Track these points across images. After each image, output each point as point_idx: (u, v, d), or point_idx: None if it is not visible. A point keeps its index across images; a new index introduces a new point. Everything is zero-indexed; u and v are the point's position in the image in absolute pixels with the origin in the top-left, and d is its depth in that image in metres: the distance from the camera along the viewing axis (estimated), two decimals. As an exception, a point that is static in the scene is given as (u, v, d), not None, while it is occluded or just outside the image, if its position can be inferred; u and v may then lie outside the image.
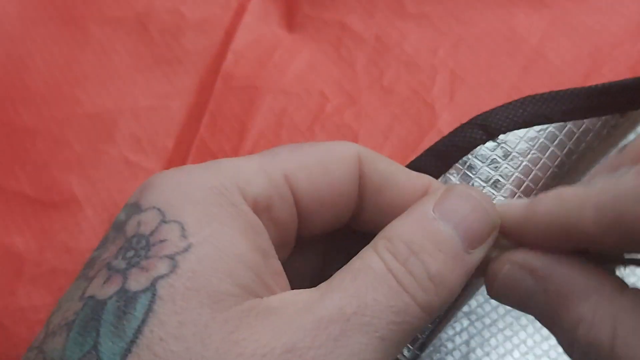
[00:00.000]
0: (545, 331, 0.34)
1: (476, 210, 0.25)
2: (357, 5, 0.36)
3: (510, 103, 0.32)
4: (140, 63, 0.37)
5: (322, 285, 0.23)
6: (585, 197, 0.22)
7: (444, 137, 0.32)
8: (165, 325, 0.20)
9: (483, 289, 0.27)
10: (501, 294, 0.24)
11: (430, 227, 0.24)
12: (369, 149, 0.27)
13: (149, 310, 0.20)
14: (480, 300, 0.41)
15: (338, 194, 0.26)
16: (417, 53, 0.34)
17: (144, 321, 0.20)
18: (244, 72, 0.36)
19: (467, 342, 0.40)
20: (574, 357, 0.23)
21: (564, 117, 0.32)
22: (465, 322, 0.41)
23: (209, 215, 0.23)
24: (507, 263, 0.24)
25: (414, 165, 0.32)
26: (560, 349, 0.30)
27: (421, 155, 0.32)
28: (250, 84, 0.35)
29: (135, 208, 0.23)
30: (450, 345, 0.41)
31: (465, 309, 0.41)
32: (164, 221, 0.22)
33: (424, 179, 0.27)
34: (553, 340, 0.34)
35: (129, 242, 0.22)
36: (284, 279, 0.24)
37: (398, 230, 0.24)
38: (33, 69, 0.37)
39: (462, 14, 0.35)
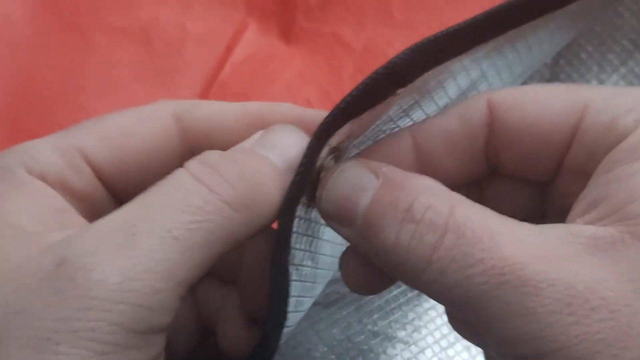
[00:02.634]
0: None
1: (290, 136, 0.25)
2: (349, 16, 0.37)
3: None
4: (142, 73, 0.38)
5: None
6: None
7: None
8: None
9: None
10: (334, 191, 0.23)
11: (245, 151, 0.24)
12: (190, 101, 0.26)
13: None
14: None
15: (149, 159, 0.25)
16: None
17: None
18: (238, 81, 0.37)
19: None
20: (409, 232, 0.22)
21: None
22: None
23: None
24: (351, 161, 0.24)
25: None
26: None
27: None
28: (242, 93, 0.36)
29: None
30: (431, 326, 0.41)
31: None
32: None
33: (252, 107, 0.27)
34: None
35: None
36: None
37: (212, 151, 0.24)
38: (38, 76, 0.38)
39: (448, 21, 0.34)
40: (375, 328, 0.40)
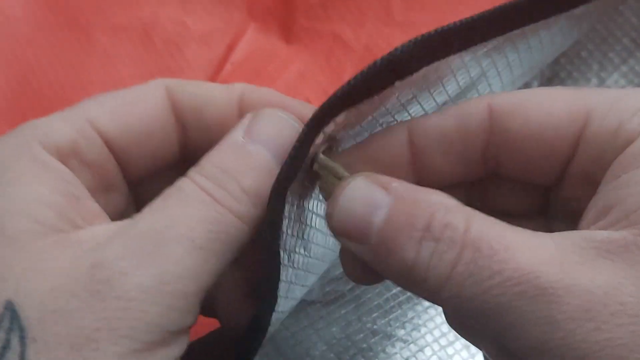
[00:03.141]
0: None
1: (284, 128, 0.25)
2: (349, 15, 0.37)
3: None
4: (143, 71, 0.38)
5: (136, 214, 0.24)
6: None
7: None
8: None
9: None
10: (346, 208, 0.23)
11: (241, 151, 0.25)
12: (179, 79, 0.27)
13: None
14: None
15: (151, 128, 0.26)
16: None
17: None
18: (239, 80, 0.36)
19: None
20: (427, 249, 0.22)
21: None
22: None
23: (4, 169, 0.24)
24: (360, 177, 0.24)
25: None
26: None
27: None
28: (242, 92, 0.36)
29: None
30: (430, 324, 0.41)
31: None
32: None
33: (236, 87, 0.27)
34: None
35: None
36: (102, 219, 0.24)
37: (209, 159, 0.25)
38: (40, 73, 0.38)
39: (448, 21, 0.34)
40: (375, 326, 0.40)
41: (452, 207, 0.22)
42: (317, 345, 0.40)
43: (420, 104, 0.28)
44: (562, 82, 0.45)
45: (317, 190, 0.28)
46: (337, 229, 0.24)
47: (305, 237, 0.29)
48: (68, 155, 0.25)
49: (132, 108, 0.26)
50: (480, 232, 0.21)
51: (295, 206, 0.27)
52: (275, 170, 0.24)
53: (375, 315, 0.41)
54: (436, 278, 0.21)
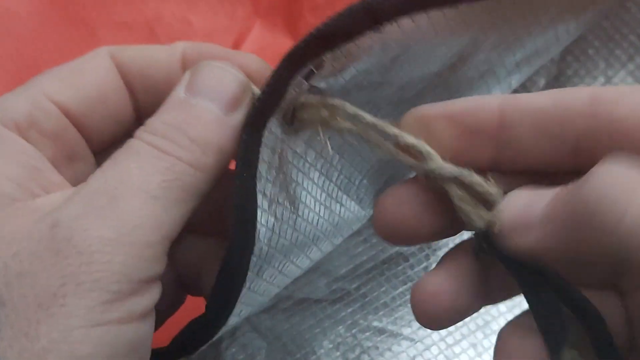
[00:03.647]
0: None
1: (224, 77, 0.26)
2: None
3: None
4: None
5: (89, 176, 0.24)
6: None
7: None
8: None
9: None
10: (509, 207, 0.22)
11: (184, 105, 0.25)
12: (121, 45, 0.28)
13: None
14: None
15: (104, 94, 0.27)
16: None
17: None
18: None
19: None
20: None
21: None
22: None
23: None
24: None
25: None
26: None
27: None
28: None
29: None
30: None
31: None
32: None
33: (178, 45, 0.28)
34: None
35: None
36: (65, 189, 0.25)
37: (154, 117, 0.25)
38: (43, 69, 0.38)
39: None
40: (381, 325, 0.40)
41: None
42: (323, 343, 0.40)
43: (410, 64, 0.27)
44: (568, 80, 0.44)
45: (297, 144, 0.27)
46: (503, 229, 0.22)
47: (291, 192, 0.28)
48: (26, 129, 0.25)
49: (82, 76, 0.27)
50: None
51: (275, 153, 0.26)
52: (223, 120, 0.25)
53: (381, 313, 0.41)
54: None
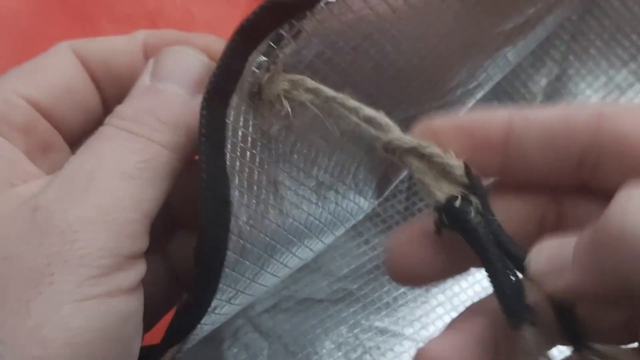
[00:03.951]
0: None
1: (186, 60, 0.26)
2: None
3: None
4: None
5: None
6: None
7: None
8: None
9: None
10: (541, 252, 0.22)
11: (150, 91, 0.26)
12: (83, 39, 0.28)
13: None
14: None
15: (70, 86, 0.27)
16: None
17: None
18: None
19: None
20: None
21: None
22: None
23: None
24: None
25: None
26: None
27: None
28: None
29: None
30: (439, 323, 0.41)
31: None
32: None
33: (138, 35, 0.28)
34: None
35: None
36: (43, 178, 0.25)
37: (122, 105, 0.26)
38: None
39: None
40: (383, 325, 0.40)
41: None
42: (325, 343, 0.39)
43: (387, 42, 0.27)
44: (570, 80, 0.44)
45: (266, 123, 0.26)
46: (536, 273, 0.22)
47: (269, 171, 0.27)
48: (1, 124, 0.26)
49: (47, 71, 0.27)
50: None
51: (240, 131, 0.25)
52: (190, 102, 0.25)
53: (383, 313, 0.40)
54: None
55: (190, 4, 0.39)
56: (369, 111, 0.24)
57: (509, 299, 0.21)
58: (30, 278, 0.21)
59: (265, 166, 0.27)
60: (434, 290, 0.41)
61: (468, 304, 0.40)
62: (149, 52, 0.28)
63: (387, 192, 0.38)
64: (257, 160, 0.26)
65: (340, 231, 0.36)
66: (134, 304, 0.23)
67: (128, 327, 0.23)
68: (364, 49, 0.27)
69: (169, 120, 0.25)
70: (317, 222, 0.32)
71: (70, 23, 0.40)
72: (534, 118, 0.24)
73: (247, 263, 0.27)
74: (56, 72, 0.27)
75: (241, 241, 0.26)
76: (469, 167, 0.23)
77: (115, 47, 0.28)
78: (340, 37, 0.26)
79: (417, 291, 0.41)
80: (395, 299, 0.41)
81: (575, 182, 0.24)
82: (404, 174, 0.38)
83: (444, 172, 0.23)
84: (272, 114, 0.26)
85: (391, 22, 0.26)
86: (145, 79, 0.26)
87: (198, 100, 0.25)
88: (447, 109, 0.34)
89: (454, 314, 0.39)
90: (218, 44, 0.27)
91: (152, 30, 0.29)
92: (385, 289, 0.41)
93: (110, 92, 0.28)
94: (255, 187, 0.26)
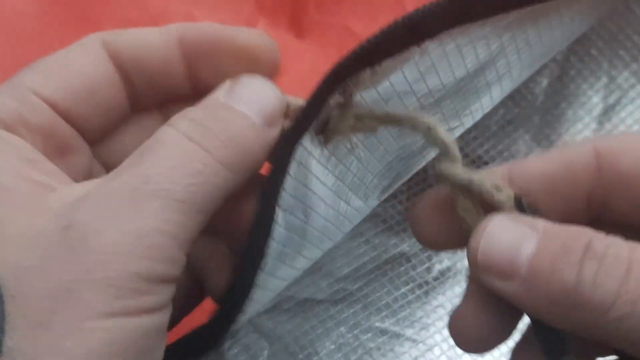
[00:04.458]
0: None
1: (265, 91, 0.26)
2: (360, 8, 0.36)
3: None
4: None
5: (113, 171, 0.24)
6: None
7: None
8: None
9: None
10: (492, 241, 0.23)
11: (223, 107, 0.25)
12: (114, 30, 0.27)
13: None
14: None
15: (93, 84, 0.26)
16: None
17: None
18: None
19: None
20: None
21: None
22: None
23: None
24: (504, 214, 0.23)
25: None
26: None
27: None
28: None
29: None
30: (439, 324, 0.40)
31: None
32: None
33: (172, 28, 0.27)
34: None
35: None
36: (62, 178, 0.25)
37: (189, 112, 0.25)
38: None
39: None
40: (383, 326, 0.40)
41: (609, 236, 0.22)
42: (325, 344, 0.39)
43: (438, 74, 0.28)
44: (571, 80, 0.44)
45: (323, 155, 0.28)
46: (482, 264, 0.23)
47: (307, 202, 0.28)
48: (15, 125, 0.25)
49: (69, 67, 0.26)
50: None
51: (301, 165, 0.26)
52: (260, 130, 0.25)
53: (383, 314, 0.40)
54: (603, 296, 0.20)
55: (193, 9, 0.39)
56: (444, 133, 0.24)
57: (547, 339, 0.23)
58: (56, 291, 0.21)
59: (306, 196, 0.28)
60: (435, 291, 0.41)
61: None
62: (186, 46, 0.27)
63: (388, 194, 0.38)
64: (301, 191, 0.28)
65: (339, 237, 0.37)
66: (160, 320, 0.23)
67: (151, 341, 0.23)
68: (420, 83, 0.28)
69: (236, 140, 0.24)
70: (326, 238, 0.33)
71: (74, 26, 0.40)
72: (534, 169, 0.24)
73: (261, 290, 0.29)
74: (79, 69, 0.26)
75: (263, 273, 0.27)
76: (519, 198, 0.24)
77: (148, 40, 0.27)
78: (407, 73, 0.26)
79: (418, 292, 0.41)
80: (396, 299, 0.41)
81: (587, 218, 0.24)
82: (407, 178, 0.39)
83: (492, 207, 0.24)
84: (330, 146, 0.28)
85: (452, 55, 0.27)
86: (219, 95, 0.25)
87: (267, 132, 0.25)
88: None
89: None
90: (260, 38, 0.27)
91: (188, 23, 0.27)
92: (386, 289, 0.41)
93: (142, 87, 0.27)
94: (288, 218, 0.28)
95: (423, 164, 0.39)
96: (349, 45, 0.36)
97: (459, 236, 0.25)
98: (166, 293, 0.23)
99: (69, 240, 0.21)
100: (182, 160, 0.23)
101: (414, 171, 0.39)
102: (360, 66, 0.24)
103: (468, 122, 0.38)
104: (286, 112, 0.26)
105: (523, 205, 0.23)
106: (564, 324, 0.22)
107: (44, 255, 0.21)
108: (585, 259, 0.21)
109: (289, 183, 0.26)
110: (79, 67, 0.26)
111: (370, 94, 0.26)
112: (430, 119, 0.25)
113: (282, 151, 0.25)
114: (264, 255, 0.26)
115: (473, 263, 0.23)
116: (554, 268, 0.21)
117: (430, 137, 0.24)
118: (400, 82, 0.27)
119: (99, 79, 0.26)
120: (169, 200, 0.22)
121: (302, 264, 0.31)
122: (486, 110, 0.38)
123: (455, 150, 0.24)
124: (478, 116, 0.38)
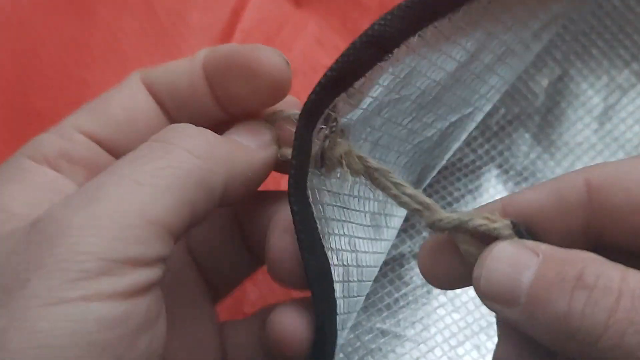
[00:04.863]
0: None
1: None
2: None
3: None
4: (147, 44, 0.38)
5: None
6: None
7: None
8: None
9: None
10: (494, 270, 0.23)
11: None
12: (149, 68, 0.29)
13: None
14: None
15: (133, 116, 0.28)
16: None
17: None
18: None
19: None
20: None
21: None
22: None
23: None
24: (508, 241, 0.24)
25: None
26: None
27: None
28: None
29: None
30: (440, 324, 0.40)
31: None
32: None
33: (199, 56, 0.29)
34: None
35: None
36: None
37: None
38: (43, 54, 0.38)
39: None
40: (384, 327, 0.39)
41: (603, 261, 0.22)
42: (326, 344, 0.38)
43: (424, 74, 0.27)
44: (572, 80, 0.44)
45: (335, 186, 0.27)
46: (485, 292, 0.23)
47: (347, 231, 0.28)
48: (55, 160, 0.26)
49: (111, 103, 0.28)
50: (637, 281, 0.21)
51: (330, 206, 0.26)
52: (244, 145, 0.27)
53: (384, 315, 0.39)
54: (592, 326, 0.21)
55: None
56: (410, 190, 0.25)
57: None
58: (7, 284, 0.21)
59: (337, 221, 0.28)
60: (436, 291, 0.40)
61: (469, 304, 0.40)
62: (207, 69, 0.28)
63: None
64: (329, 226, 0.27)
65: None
66: (124, 309, 0.22)
67: (113, 333, 0.22)
68: (408, 87, 0.28)
69: (207, 135, 0.25)
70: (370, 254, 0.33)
71: (67, 10, 0.39)
72: (527, 204, 0.24)
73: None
74: (118, 103, 0.28)
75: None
76: (516, 225, 0.24)
77: (178, 69, 0.28)
78: (386, 84, 0.26)
79: (418, 293, 0.40)
80: (397, 300, 0.40)
81: (585, 246, 0.24)
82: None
83: (491, 237, 0.24)
84: (335, 174, 0.27)
85: (432, 56, 0.27)
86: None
87: (257, 152, 0.27)
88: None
89: (456, 315, 0.39)
90: (276, 56, 0.27)
91: (211, 48, 0.29)
92: (387, 290, 0.40)
93: (176, 113, 0.29)
94: (334, 246, 0.27)
95: (457, 144, 0.39)
96: (352, 12, 0.36)
97: (468, 273, 0.25)
98: (135, 276, 0.22)
99: (33, 234, 0.22)
100: (146, 153, 0.24)
101: (449, 154, 0.39)
102: (331, 96, 0.24)
103: (486, 105, 0.38)
104: (276, 121, 0.27)
105: (521, 231, 0.24)
106: (563, 350, 0.23)
107: (10, 254, 0.22)
108: (575, 289, 0.22)
109: (325, 224, 0.26)
110: (118, 100, 0.28)
111: (356, 112, 0.26)
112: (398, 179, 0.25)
113: (298, 206, 0.25)
114: (335, 302, 0.26)
115: (477, 292, 0.23)
116: (549, 297, 0.22)
117: (401, 192, 0.25)
118: (382, 93, 0.26)
119: (139, 108, 0.28)
120: (128, 183, 0.23)
121: (359, 289, 0.31)
122: (502, 90, 0.38)
123: (427, 199, 0.24)
124: (495, 97, 0.38)
